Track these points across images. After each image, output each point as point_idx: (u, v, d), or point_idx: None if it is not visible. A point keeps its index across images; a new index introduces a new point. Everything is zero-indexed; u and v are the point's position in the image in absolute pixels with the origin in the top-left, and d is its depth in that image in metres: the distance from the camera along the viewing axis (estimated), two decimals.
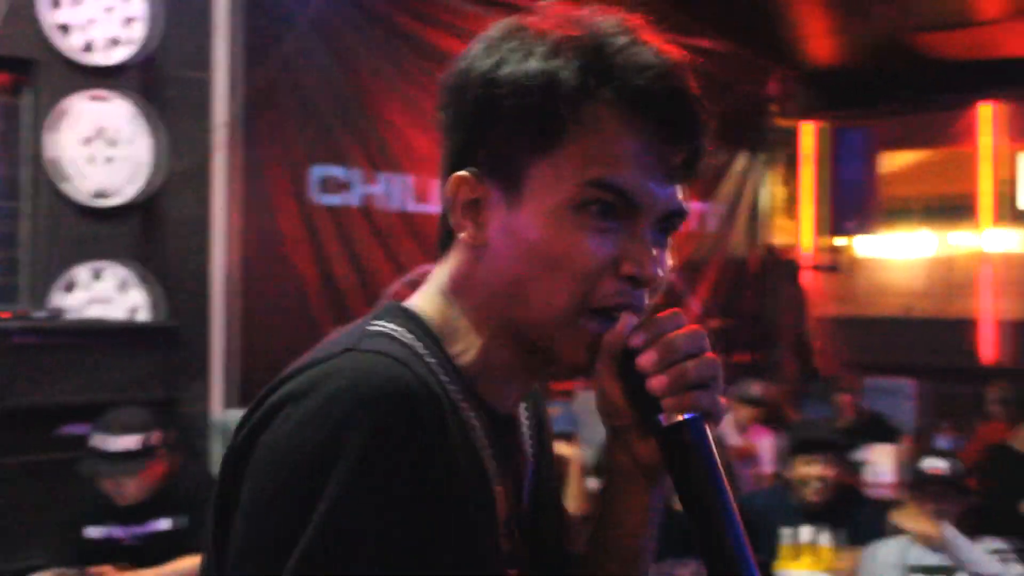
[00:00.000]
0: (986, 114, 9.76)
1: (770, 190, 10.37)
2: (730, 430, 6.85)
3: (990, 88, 9.50)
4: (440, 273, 1.22)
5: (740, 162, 9.85)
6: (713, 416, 1.11)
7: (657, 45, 1.12)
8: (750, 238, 10.16)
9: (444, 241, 1.22)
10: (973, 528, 4.59)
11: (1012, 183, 10.08)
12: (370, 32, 6.73)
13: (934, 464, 4.41)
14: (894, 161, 10.46)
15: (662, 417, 1.10)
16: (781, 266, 10.27)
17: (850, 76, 9.88)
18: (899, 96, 9.57)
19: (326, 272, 6.54)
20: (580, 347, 1.14)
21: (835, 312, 10.53)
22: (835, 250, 10.57)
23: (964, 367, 9.65)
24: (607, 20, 1.14)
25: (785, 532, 4.72)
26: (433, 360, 1.13)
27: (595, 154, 1.10)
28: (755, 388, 7.26)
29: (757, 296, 10.11)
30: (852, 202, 9.59)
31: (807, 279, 10.53)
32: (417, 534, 1.01)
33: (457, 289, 1.19)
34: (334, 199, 6.68)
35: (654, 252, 1.13)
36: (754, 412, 7.19)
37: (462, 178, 1.15)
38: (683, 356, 1.10)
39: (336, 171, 6.67)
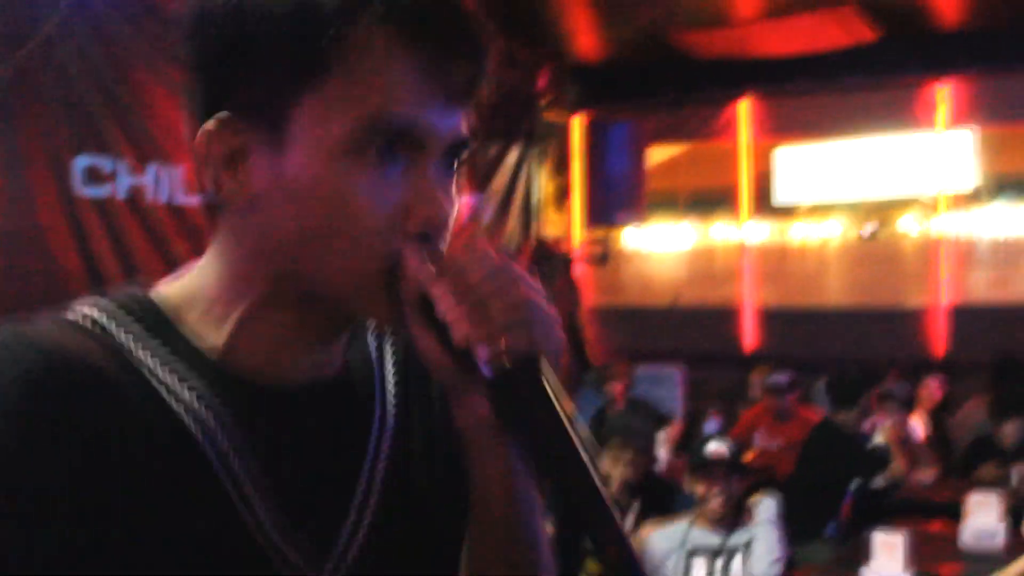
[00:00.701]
0: (744, 110, 10.20)
1: (541, 183, 10.54)
2: None
3: (748, 85, 9.94)
4: (210, 247, 1.06)
5: (512, 155, 9.97)
6: (544, 354, 0.95)
7: None
8: (522, 231, 10.30)
9: (211, 211, 1.05)
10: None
11: (769, 177, 10.57)
12: (137, 17, 6.46)
13: (717, 447, 4.56)
14: (659, 155, 10.81)
15: (483, 368, 0.94)
16: (553, 259, 10.44)
17: (617, 72, 10.13)
18: (663, 92, 9.89)
19: (92, 268, 6.27)
20: (382, 304, 0.99)
21: (605, 303, 10.80)
22: (604, 242, 10.84)
23: (727, 354, 10.07)
24: None
25: None
26: (130, 335, 0.99)
27: (367, 86, 0.95)
28: None
29: None
30: (620, 195, 9.84)
31: (578, 271, 10.75)
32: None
33: (223, 255, 1.04)
34: (99, 191, 6.38)
35: (442, 192, 1.00)
36: None
37: (214, 127, 0.98)
38: (486, 295, 0.95)
39: (101, 161, 6.38)
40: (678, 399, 9.46)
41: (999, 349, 8.03)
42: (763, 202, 10.61)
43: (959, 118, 9.36)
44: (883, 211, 10.51)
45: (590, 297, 10.84)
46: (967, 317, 9.44)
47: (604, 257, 10.82)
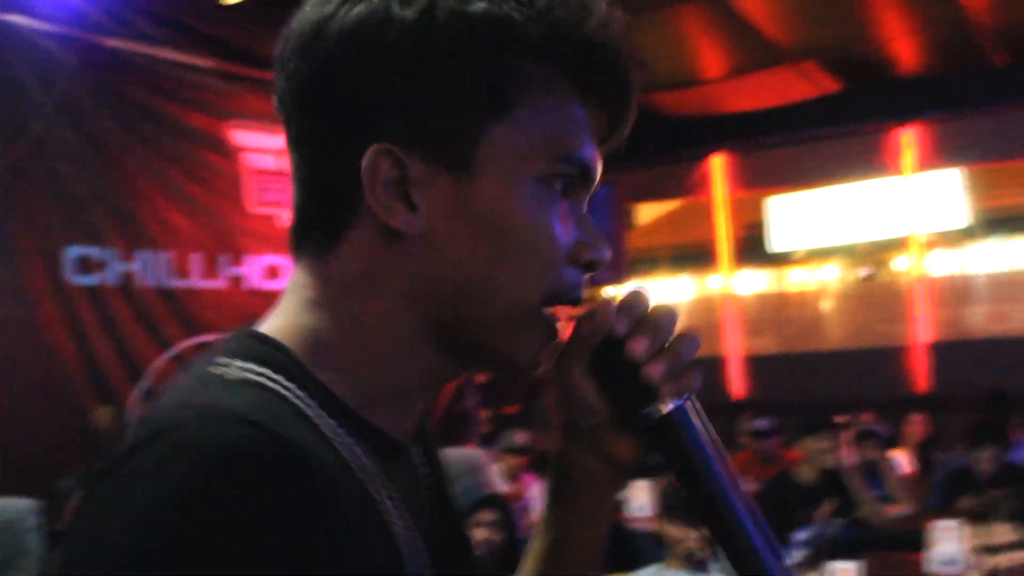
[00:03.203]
0: (719, 165, 10.42)
1: None
2: (500, 478, 7.08)
3: (722, 141, 10.19)
4: (309, 279, 0.98)
5: None
6: (695, 395, 1.01)
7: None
8: None
9: (319, 234, 0.97)
10: None
11: (748, 228, 10.79)
12: (120, 112, 6.76)
13: None
14: (642, 213, 11.04)
15: (653, 408, 0.99)
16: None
17: None
18: (640, 152, 10.13)
19: (87, 354, 6.48)
20: (537, 344, 0.98)
21: None
22: (592, 300, 11.04)
23: (715, 402, 10.23)
24: None
25: None
26: (313, 403, 0.90)
27: (555, 121, 0.94)
28: (520, 437, 7.53)
29: None
30: None
31: (565, 329, 10.92)
32: None
33: (355, 290, 0.96)
34: (91, 279, 6.64)
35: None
36: (523, 460, 7.44)
37: (384, 151, 0.92)
38: (671, 337, 0.99)
39: (91, 251, 6.65)
40: None
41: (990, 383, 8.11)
42: (747, 254, 10.81)
43: (934, 160, 9.55)
44: (876, 254, 10.69)
45: None
46: (960, 352, 9.58)
47: None
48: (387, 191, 0.92)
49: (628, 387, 0.99)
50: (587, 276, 0.99)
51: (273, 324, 0.97)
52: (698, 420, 0.99)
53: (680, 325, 1.00)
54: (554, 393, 1.05)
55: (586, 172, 0.97)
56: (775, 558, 0.98)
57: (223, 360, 0.90)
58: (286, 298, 1.00)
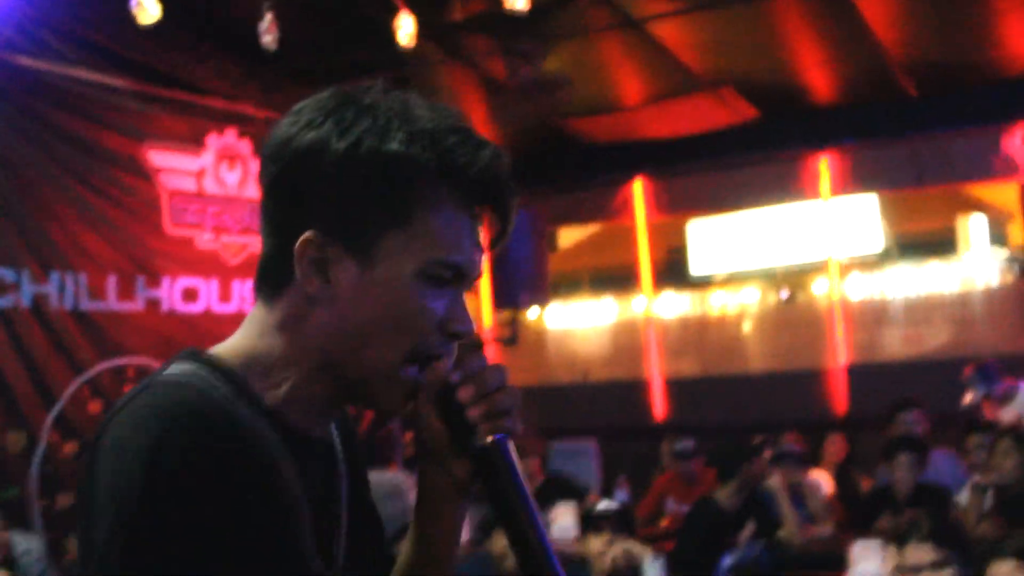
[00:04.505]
0: (639, 190, 10.47)
1: None
2: None
3: (641, 166, 10.26)
4: (262, 314, 1.37)
5: None
6: (514, 436, 1.34)
7: (487, 141, 1.34)
8: None
9: (270, 284, 1.36)
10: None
11: (669, 252, 10.86)
12: (33, 132, 6.62)
13: (605, 505, 5.00)
14: (564, 237, 11.06)
15: (478, 440, 1.32)
16: (464, 341, 10.61)
17: (515, 159, 10.27)
18: (560, 177, 10.17)
19: None
20: (398, 394, 1.35)
21: (518, 382, 10.94)
22: (513, 323, 11.05)
23: (639, 426, 10.26)
24: (442, 110, 1.35)
25: None
26: (232, 396, 1.29)
27: (440, 233, 1.31)
28: None
29: None
30: (523, 277, 10.05)
31: (490, 353, 10.92)
32: (221, 546, 1.17)
33: (287, 328, 1.35)
34: (3, 301, 6.48)
35: (466, 311, 1.37)
36: None
37: (311, 239, 1.30)
38: (493, 389, 1.34)
39: (4, 272, 6.50)
40: (594, 472, 9.62)
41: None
42: (675, 275, 10.89)
43: (850, 186, 9.67)
44: (794, 277, 10.81)
45: None
46: (877, 374, 9.70)
47: (513, 338, 11.03)
48: (309, 267, 1.31)
49: (458, 423, 1.34)
50: (454, 343, 1.35)
51: (230, 342, 1.38)
52: (512, 457, 1.33)
53: (505, 381, 1.35)
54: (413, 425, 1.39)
55: (459, 273, 1.34)
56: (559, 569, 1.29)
57: (166, 368, 1.31)
58: (245, 324, 1.39)
